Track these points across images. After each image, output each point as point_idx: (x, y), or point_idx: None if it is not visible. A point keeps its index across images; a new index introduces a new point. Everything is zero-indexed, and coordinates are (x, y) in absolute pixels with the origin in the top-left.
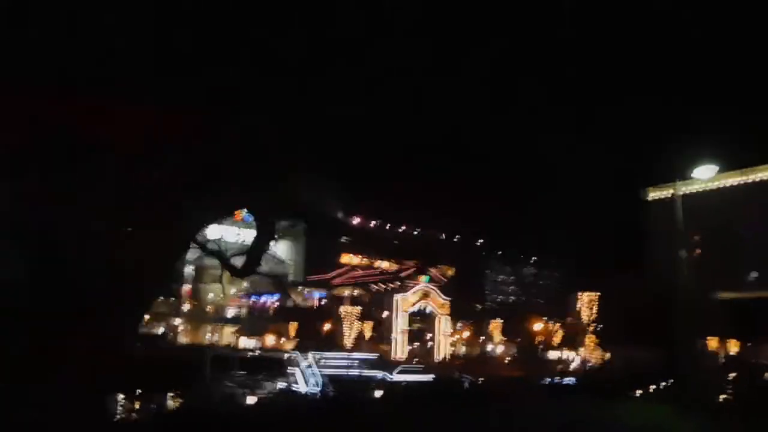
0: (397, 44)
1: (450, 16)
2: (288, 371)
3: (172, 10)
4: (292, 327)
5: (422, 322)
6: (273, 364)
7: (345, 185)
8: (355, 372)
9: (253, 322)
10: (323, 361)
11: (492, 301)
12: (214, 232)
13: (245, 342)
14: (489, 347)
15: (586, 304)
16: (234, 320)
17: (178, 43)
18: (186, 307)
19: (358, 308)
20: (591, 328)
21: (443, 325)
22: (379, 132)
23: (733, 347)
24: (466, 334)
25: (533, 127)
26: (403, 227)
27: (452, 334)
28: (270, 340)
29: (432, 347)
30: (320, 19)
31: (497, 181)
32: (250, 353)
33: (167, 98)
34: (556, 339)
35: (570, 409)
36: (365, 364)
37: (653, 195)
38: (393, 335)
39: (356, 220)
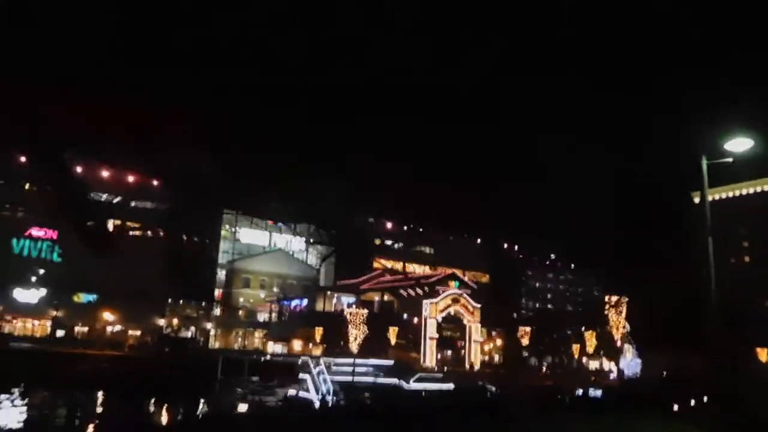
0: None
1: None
2: (299, 377)
3: None
4: (318, 332)
5: (453, 329)
6: (284, 369)
7: (377, 191)
8: (369, 379)
9: (282, 326)
10: (335, 367)
11: (528, 308)
12: (246, 235)
13: (272, 347)
14: (523, 355)
15: (615, 309)
16: (263, 325)
17: None
18: (217, 311)
19: (365, 311)
20: (620, 335)
21: (474, 331)
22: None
23: None
24: (499, 341)
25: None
26: (437, 232)
27: (484, 342)
28: (297, 345)
29: (463, 354)
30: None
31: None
32: (263, 358)
33: None
34: (590, 347)
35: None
36: (380, 370)
37: (697, 197)
38: (421, 342)
39: (389, 225)
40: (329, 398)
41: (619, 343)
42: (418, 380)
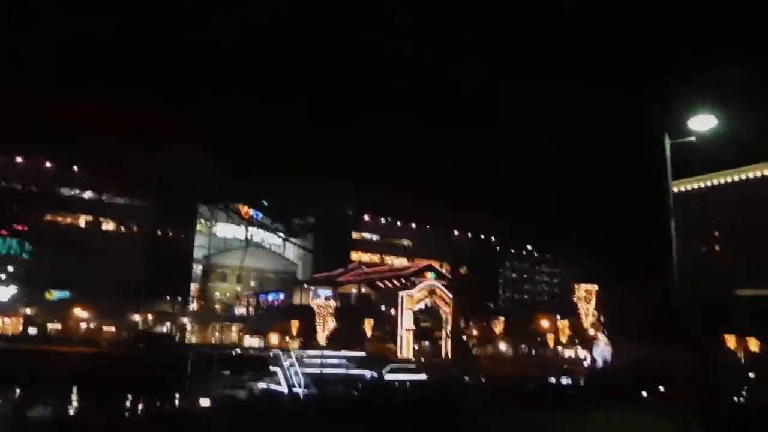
0: None
1: None
2: (270, 371)
3: None
4: (294, 325)
5: (429, 321)
6: (256, 363)
7: (357, 184)
8: (341, 371)
9: (259, 320)
10: (307, 359)
11: (507, 299)
12: (222, 229)
13: (249, 341)
14: (499, 345)
15: (584, 297)
16: (240, 319)
17: None
18: (194, 306)
19: (332, 303)
20: (591, 323)
21: (450, 322)
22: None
23: (753, 346)
24: (475, 332)
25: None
26: (415, 225)
27: (462, 333)
28: (274, 338)
29: (440, 345)
30: None
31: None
32: (234, 352)
33: None
34: (563, 336)
35: (556, 417)
36: (353, 362)
37: (678, 188)
38: (398, 333)
39: (367, 218)
40: (300, 391)
41: (592, 332)
42: (392, 371)
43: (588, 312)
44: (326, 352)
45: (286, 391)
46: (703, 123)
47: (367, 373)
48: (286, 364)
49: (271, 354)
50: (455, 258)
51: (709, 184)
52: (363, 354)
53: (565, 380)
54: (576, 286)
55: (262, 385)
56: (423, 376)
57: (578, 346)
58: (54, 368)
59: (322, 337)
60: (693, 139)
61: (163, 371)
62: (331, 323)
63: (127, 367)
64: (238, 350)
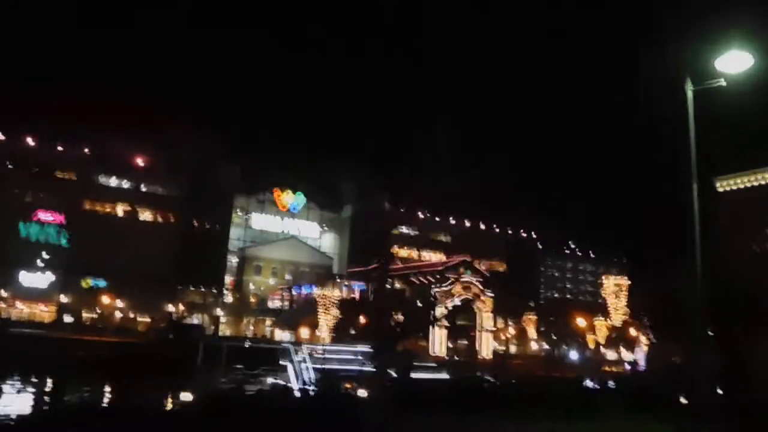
0: None
1: None
2: (282, 365)
3: None
4: (329, 319)
5: (466, 318)
6: (268, 356)
7: (395, 177)
8: (355, 367)
9: (291, 314)
10: (318, 354)
11: (548, 298)
12: (258, 221)
13: (281, 334)
14: (536, 345)
15: (613, 291)
16: (274, 312)
17: None
18: (228, 298)
19: (337, 293)
20: (617, 320)
21: (485, 320)
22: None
23: None
24: (512, 331)
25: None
26: (453, 220)
27: (500, 331)
28: (304, 332)
29: (473, 343)
30: None
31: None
32: (247, 344)
33: None
34: (600, 336)
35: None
36: (368, 358)
37: (722, 185)
38: (431, 330)
39: (404, 212)
40: (309, 387)
41: (634, 332)
42: (408, 368)
43: (618, 308)
44: (341, 347)
45: (295, 387)
46: (735, 62)
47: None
48: (296, 358)
49: (282, 348)
50: (494, 255)
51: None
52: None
53: (592, 384)
54: (605, 279)
55: (270, 380)
56: (444, 376)
57: (622, 347)
58: (71, 358)
59: (324, 330)
60: (723, 82)
61: (179, 363)
62: (334, 315)
63: (144, 358)
64: (249, 343)
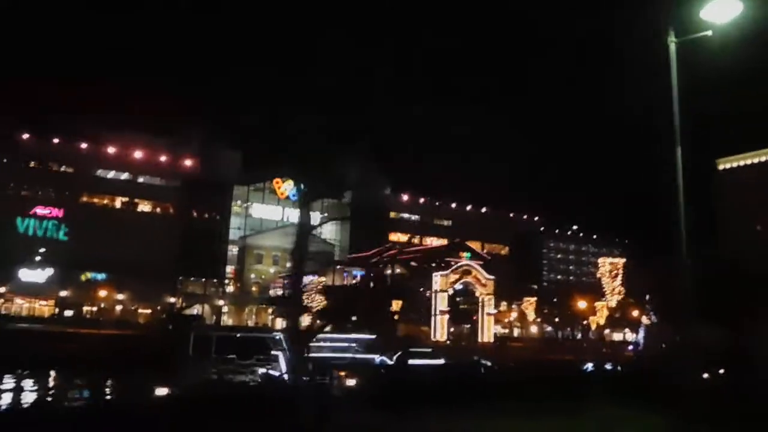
0: None
1: None
2: (273, 354)
3: None
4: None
5: (465, 302)
6: (259, 346)
7: (392, 161)
8: (348, 355)
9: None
10: (313, 342)
11: (551, 281)
12: (258, 210)
13: (281, 323)
14: (538, 328)
15: (609, 272)
16: (274, 301)
17: None
18: (229, 288)
19: (321, 279)
20: (612, 301)
21: (487, 304)
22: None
23: None
24: (513, 314)
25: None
26: (455, 204)
27: (502, 314)
28: (306, 321)
29: (476, 328)
30: None
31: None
32: (239, 333)
33: None
34: (601, 317)
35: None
36: (362, 346)
37: (724, 165)
38: (432, 315)
39: (406, 198)
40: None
41: (636, 314)
42: (403, 355)
43: (614, 289)
44: (334, 336)
45: (286, 377)
46: (723, 11)
47: (377, 358)
48: (288, 347)
49: (273, 336)
50: (496, 238)
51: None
52: (373, 337)
53: (590, 367)
54: (600, 260)
55: (262, 370)
56: (440, 361)
57: (626, 329)
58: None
59: (306, 317)
60: (709, 32)
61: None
62: (320, 302)
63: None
64: (238, 333)
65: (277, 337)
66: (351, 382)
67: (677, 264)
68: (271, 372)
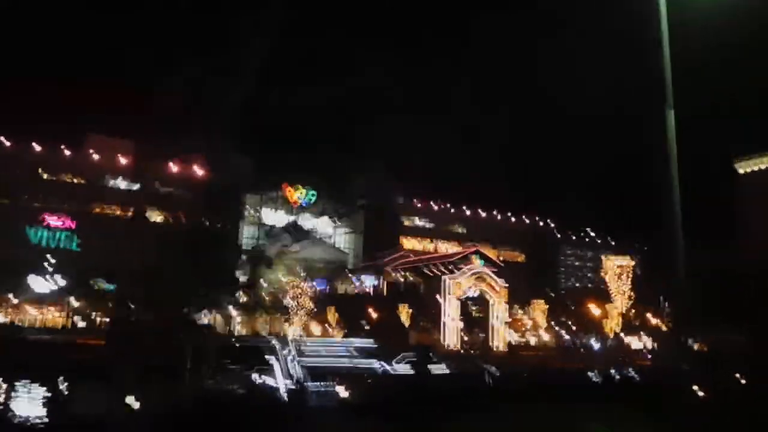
0: None
1: None
2: (268, 362)
3: None
4: (331, 313)
5: (478, 309)
6: (258, 354)
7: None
8: (346, 362)
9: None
10: (307, 348)
11: (568, 288)
12: (270, 218)
13: (291, 330)
14: (551, 335)
15: (615, 273)
16: (286, 309)
17: None
18: (242, 296)
19: (312, 284)
20: (620, 305)
21: (499, 311)
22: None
23: None
24: (527, 321)
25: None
26: (468, 210)
27: (516, 322)
28: (316, 328)
29: (487, 335)
30: None
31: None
32: (236, 342)
33: None
34: (617, 324)
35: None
36: (361, 352)
37: (743, 168)
38: (443, 322)
39: (419, 204)
40: (294, 386)
41: (653, 321)
42: (402, 361)
43: (621, 291)
44: (331, 341)
45: (281, 386)
46: None
47: (377, 364)
48: (284, 354)
49: (270, 343)
50: (511, 245)
51: None
52: (373, 344)
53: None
54: (604, 259)
55: (258, 380)
56: (443, 368)
57: (642, 334)
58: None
59: (298, 323)
60: None
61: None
62: (309, 307)
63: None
64: (234, 340)
65: (272, 345)
66: (354, 391)
67: (670, 245)
68: (268, 381)
